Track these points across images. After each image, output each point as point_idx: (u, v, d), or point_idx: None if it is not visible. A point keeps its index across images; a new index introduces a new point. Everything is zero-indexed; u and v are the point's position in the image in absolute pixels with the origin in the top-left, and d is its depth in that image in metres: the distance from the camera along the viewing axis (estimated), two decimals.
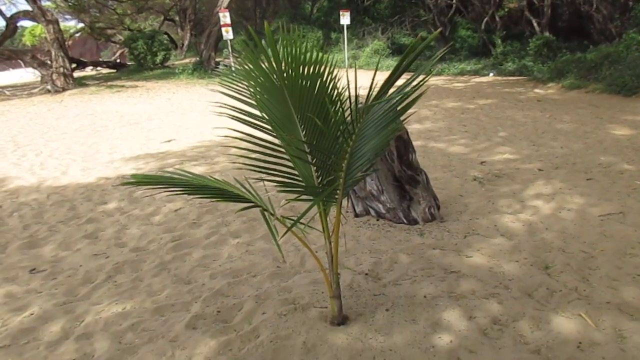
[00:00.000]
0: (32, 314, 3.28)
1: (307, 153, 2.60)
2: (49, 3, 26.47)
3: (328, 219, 2.77)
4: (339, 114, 2.50)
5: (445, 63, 19.62)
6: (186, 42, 32.70)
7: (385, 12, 26.96)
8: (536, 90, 12.81)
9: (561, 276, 3.31)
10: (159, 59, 26.13)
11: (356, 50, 24.23)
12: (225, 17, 19.74)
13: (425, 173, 4.49)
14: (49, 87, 19.82)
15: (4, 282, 3.78)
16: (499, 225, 4.24)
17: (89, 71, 29.44)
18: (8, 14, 22.57)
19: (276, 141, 2.65)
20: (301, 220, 2.82)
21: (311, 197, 2.67)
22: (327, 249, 2.83)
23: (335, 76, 2.50)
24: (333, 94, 2.54)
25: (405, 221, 4.39)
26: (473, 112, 10.06)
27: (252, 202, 2.66)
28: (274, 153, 2.59)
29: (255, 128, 2.68)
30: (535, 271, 3.40)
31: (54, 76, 20.01)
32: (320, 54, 2.46)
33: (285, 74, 2.40)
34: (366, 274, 3.50)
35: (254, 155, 2.51)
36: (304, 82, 2.43)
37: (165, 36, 27.81)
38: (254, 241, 4.20)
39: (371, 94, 2.50)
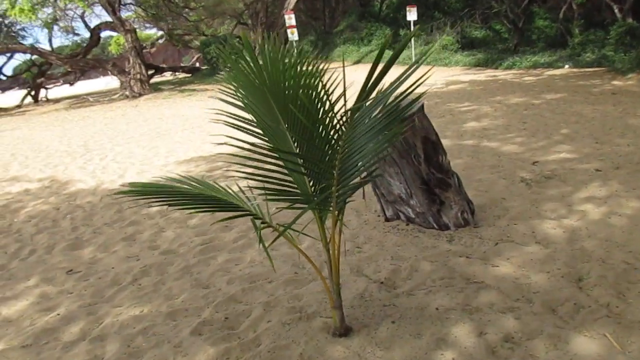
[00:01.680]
0: (58, 315, 3.45)
1: (296, 160, 2.52)
2: (129, 13, 28.06)
3: (336, 227, 2.67)
4: (327, 118, 2.41)
5: (517, 56, 18.69)
6: (258, 45, 33.39)
7: (456, 6, 26.15)
8: (613, 83, 11.88)
9: (594, 290, 3.01)
10: None
11: (424, 47, 23.68)
12: (290, 19, 19.99)
13: (458, 176, 4.26)
14: (127, 92, 21.01)
15: (42, 282, 4.00)
16: (537, 231, 3.94)
17: (167, 76, 30.89)
18: (92, 25, 24.10)
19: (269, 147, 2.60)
20: (297, 228, 2.77)
21: (304, 205, 2.59)
22: (326, 257, 2.74)
23: (322, 80, 2.40)
24: (321, 98, 2.44)
25: (435, 226, 4.19)
26: (538, 107, 9.49)
27: (246, 211, 2.63)
28: (267, 160, 2.53)
29: (248, 134, 2.64)
30: (565, 283, 3.12)
31: (132, 82, 21.18)
32: (305, 60, 2.38)
33: (266, 78, 2.34)
34: (381, 283, 3.37)
35: (248, 163, 2.47)
36: (286, 85, 2.35)
37: (238, 39, 28.58)
38: (279, 246, 4.17)
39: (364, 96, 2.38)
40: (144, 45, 33.06)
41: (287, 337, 2.85)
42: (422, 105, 4.03)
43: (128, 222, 5.22)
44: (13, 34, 22.99)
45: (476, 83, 14.22)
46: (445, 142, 7.40)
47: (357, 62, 24.95)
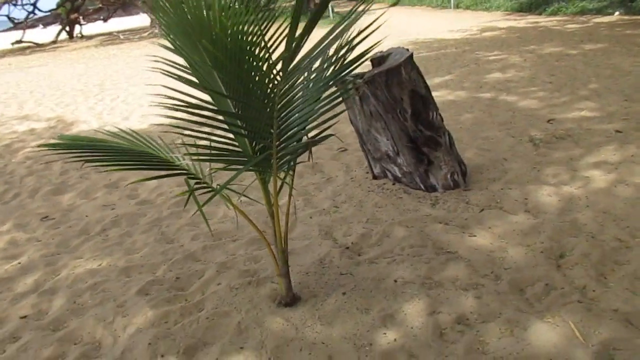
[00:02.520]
0: (19, 264, 3.40)
1: (230, 116, 2.27)
2: None
3: (280, 191, 2.44)
4: (262, 69, 2.12)
5: (564, 1, 17.39)
6: None
7: None
8: None
9: (573, 270, 2.72)
10: None
11: None
12: None
13: (450, 134, 3.92)
14: (156, 30, 20.77)
15: (15, 228, 3.96)
16: (530, 198, 3.62)
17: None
18: None
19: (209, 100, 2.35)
20: (236, 189, 2.56)
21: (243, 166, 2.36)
22: (271, 223, 2.53)
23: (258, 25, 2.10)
24: (256, 44, 2.14)
25: (422, 187, 3.90)
26: (572, 59, 8.79)
27: (180, 169, 2.42)
28: (202, 114, 2.28)
29: (186, 84, 2.39)
30: (542, 260, 2.83)
31: None
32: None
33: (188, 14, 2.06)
34: (347, 248, 3.16)
35: (179, 115, 2.24)
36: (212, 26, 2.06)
37: None
38: (255, 203, 3.99)
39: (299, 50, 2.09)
40: None
41: (230, 303, 2.70)
42: (411, 55, 3.65)
43: None
44: None
45: (513, 30, 13.33)
46: (460, 94, 6.97)
47: (396, 3, 23.84)
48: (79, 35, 26.32)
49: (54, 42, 24.22)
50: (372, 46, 2.23)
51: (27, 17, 24.27)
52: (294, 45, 2.00)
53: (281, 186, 2.51)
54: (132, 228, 3.75)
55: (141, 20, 30.11)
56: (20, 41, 24.06)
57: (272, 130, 2.23)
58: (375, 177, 4.22)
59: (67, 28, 25.96)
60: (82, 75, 12.04)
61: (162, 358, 2.34)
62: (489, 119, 5.65)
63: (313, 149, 5.06)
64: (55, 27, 27.00)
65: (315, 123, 2.37)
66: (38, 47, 23.22)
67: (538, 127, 5.21)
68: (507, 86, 7.14)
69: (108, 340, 2.53)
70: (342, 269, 2.91)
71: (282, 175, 2.52)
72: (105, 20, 27.23)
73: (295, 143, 2.40)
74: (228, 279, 2.92)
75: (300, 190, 4.13)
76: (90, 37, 24.67)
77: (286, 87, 2.15)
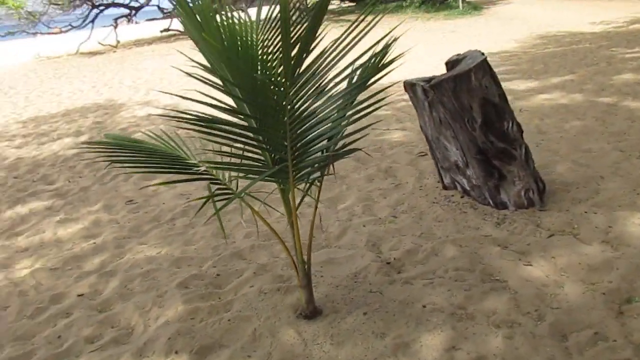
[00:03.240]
0: (94, 243, 3.73)
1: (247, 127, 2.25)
2: None
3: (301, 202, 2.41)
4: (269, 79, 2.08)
5: None
6: None
7: None
8: None
9: (636, 320, 2.33)
10: None
11: None
12: None
13: (527, 147, 3.55)
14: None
15: (102, 209, 4.36)
16: (615, 226, 3.16)
17: (335, 4, 30.59)
18: None
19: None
20: (258, 198, 2.56)
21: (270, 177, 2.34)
22: (292, 233, 2.49)
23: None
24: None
25: (491, 203, 3.60)
26: None
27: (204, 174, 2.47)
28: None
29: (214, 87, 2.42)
30: (602, 303, 2.46)
31: None
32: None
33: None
34: (388, 263, 3.02)
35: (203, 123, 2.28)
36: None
37: None
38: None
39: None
40: None
41: (255, 307, 2.72)
42: (483, 60, 3.35)
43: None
44: None
45: None
46: (575, 98, 6.27)
47: None
48: None
49: None
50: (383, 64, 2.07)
51: (174, 8, 26.32)
52: (296, 51, 1.94)
53: (302, 197, 2.46)
54: (197, 219, 3.93)
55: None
56: (167, 29, 26.25)
57: (285, 143, 2.19)
58: (445, 188, 3.97)
59: None
60: None
61: (176, 354, 2.42)
62: (599, 127, 5.03)
63: (389, 152, 4.90)
64: None
65: (339, 137, 2.29)
66: (182, 35, 25.14)
67: None
68: (635, 90, 6.29)
69: (139, 328, 2.69)
70: (374, 287, 2.79)
71: (305, 186, 2.47)
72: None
73: (316, 155, 2.34)
74: (261, 282, 2.94)
75: (363, 196, 4.02)
76: None
77: (295, 97, 2.09)
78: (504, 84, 3.41)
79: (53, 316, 2.88)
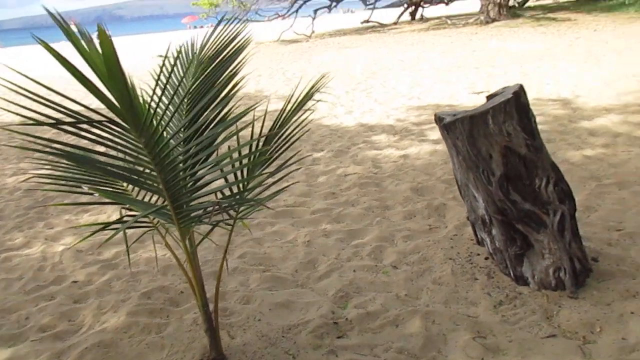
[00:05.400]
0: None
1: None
2: None
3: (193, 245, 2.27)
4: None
5: None
6: None
7: None
8: None
9: None
10: None
11: None
12: None
13: (566, 214, 2.77)
14: (482, 17, 20.15)
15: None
16: None
17: (551, 0, 27.80)
18: None
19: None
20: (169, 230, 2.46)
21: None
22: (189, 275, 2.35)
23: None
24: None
25: (511, 274, 2.92)
26: None
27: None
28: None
29: None
30: None
31: (490, 6, 20.11)
32: None
33: None
34: (335, 323, 2.66)
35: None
36: None
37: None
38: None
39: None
40: None
41: (176, 338, 2.65)
42: (507, 100, 2.68)
43: None
44: None
45: None
46: None
47: None
48: (421, 17, 27.62)
49: (395, 23, 26.06)
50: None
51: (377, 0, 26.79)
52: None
53: (200, 241, 2.30)
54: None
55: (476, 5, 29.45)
56: (367, 20, 26.81)
57: (155, 183, 2.05)
58: (478, 243, 3.34)
59: (411, 9, 27.54)
60: (369, 60, 12.78)
61: None
62: None
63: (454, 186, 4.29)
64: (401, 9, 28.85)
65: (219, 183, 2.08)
66: (381, 26, 25.41)
67: None
68: None
69: (84, 329, 2.83)
70: (295, 348, 2.48)
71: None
72: (446, 3, 27.81)
73: (205, 200, 2.15)
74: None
75: (387, 234, 3.60)
76: (427, 20, 25.63)
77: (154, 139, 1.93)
78: None
79: (41, 297, 3.19)
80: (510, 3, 23.44)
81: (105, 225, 2.17)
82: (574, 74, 8.60)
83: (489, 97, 3.08)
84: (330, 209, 4.11)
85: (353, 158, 5.37)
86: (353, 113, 7.47)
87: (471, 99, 7.51)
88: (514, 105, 2.69)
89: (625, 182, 4.09)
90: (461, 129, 2.79)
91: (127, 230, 2.09)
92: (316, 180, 4.85)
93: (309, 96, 2.25)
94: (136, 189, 2.14)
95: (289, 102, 2.24)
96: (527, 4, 25.54)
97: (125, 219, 2.29)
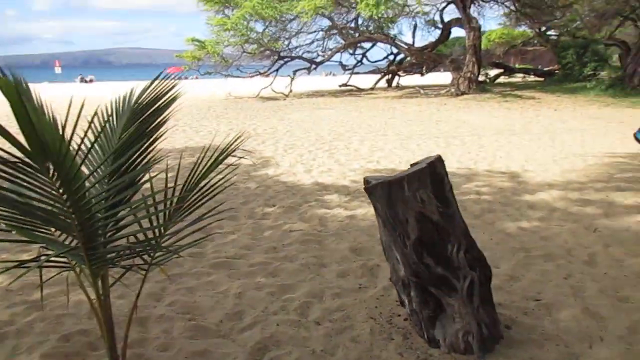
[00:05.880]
0: None
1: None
2: (502, 11, 27.16)
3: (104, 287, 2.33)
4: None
5: None
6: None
7: None
8: None
9: None
10: (587, 70, 23.45)
11: None
12: None
13: (478, 279, 2.92)
14: (453, 89, 21.08)
15: None
16: None
17: (520, 78, 29.19)
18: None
19: None
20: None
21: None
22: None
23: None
24: None
25: (425, 336, 3.02)
26: None
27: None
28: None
29: None
30: None
31: (460, 80, 21.11)
32: None
33: None
34: None
35: None
36: None
37: (602, 47, 24.73)
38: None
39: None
40: (516, 44, 31.81)
41: None
42: (423, 169, 2.88)
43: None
44: (381, 25, 25.50)
45: None
46: None
47: None
48: (397, 84, 28.68)
49: (372, 88, 27.00)
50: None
51: (355, 65, 27.80)
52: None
53: (113, 283, 2.37)
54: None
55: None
56: (346, 84, 27.73)
57: (68, 223, 2.14)
58: (401, 303, 3.45)
59: (388, 77, 28.62)
60: (339, 122, 13.20)
61: None
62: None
63: None
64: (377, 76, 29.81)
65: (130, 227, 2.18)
66: (358, 91, 26.26)
67: None
68: None
69: None
70: None
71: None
72: (421, 74, 29.02)
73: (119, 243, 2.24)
74: None
75: (318, 290, 3.69)
76: (402, 88, 26.64)
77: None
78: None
79: None
80: (481, 78, 24.67)
81: (20, 263, 2.24)
82: (526, 150, 9.04)
83: (412, 165, 3.29)
84: (269, 263, 4.20)
85: (302, 215, 5.51)
86: (312, 172, 7.66)
87: None
88: (429, 175, 2.88)
89: (552, 254, 4.29)
90: (381, 193, 2.96)
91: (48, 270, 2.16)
92: (262, 234, 4.95)
93: (226, 154, 2.40)
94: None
95: (202, 157, 2.37)
96: (498, 80, 26.82)
97: (42, 257, 2.36)
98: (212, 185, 2.46)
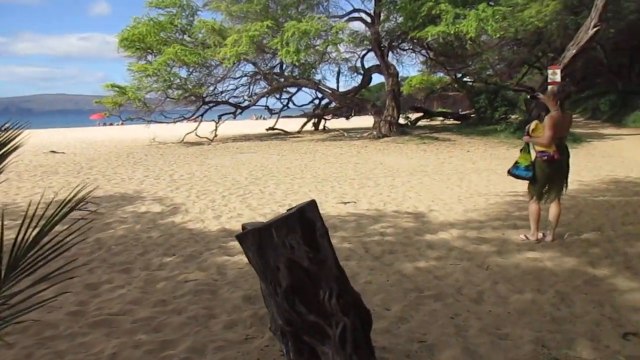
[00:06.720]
0: None
1: None
2: (421, 58, 28.50)
3: None
4: None
5: None
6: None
7: None
8: None
9: None
10: (498, 114, 24.91)
11: None
12: (554, 75, 17.52)
13: (351, 324, 2.88)
14: (374, 132, 21.71)
15: None
16: None
17: (439, 121, 30.52)
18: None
19: None
20: None
21: None
22: None
23: None
24: None
25: None
26: None
27: None
28: None
29: None
30: None
31: (381, 123, 21.81)
32: None
33: None
34: None
35: None
36: None
37: (512, 92, 26.52)
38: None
39: None
40: (435, 89, 33.55)
41: None
42: (291, 215, 2.86)
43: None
44: (305, 70, 25.99)
45: None
46: (566, 263, 5.18)
47: None
48: (324, 127, 29.20)
49: (299, 132, 27.29)
50: None
51: (281, 109, 28.11)
52: None
53: None
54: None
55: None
56: (273, 128, 27.89)
57: None
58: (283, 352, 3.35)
59: (314, 120, 29.10)
60: (258, 165, 13.18)
61: None
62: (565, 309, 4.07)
63: None
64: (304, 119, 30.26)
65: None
66: (285, 134, 26.43)
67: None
68: None
69: None
70: None
71: None
72: (347, 118, 29.79)
73: None
74: None
75: (197, 347, 3.52)
76: (329, 131, 27.12)
77: None
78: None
79: None
80: (403, 121, 25.64)
81: None
82: (435, 190, 9.33)
83: (289, 210, 3.26)
84: (154, 318, 3.99)
85: (200, 264, 5.33)
86: (221, 217, 7.51)
87: (336, 208, 7.87)
88: (298, 220, 2.86)
89: (443, 293, 4.35)
90: (252, 240, 2.90)
91: None
92: (154, 286, 4.72)
93: (68, 209, 2.26)
94: None
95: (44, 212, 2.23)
96: (419, 123, 27.96)
97: None
98: (58, 242, 2.30)
